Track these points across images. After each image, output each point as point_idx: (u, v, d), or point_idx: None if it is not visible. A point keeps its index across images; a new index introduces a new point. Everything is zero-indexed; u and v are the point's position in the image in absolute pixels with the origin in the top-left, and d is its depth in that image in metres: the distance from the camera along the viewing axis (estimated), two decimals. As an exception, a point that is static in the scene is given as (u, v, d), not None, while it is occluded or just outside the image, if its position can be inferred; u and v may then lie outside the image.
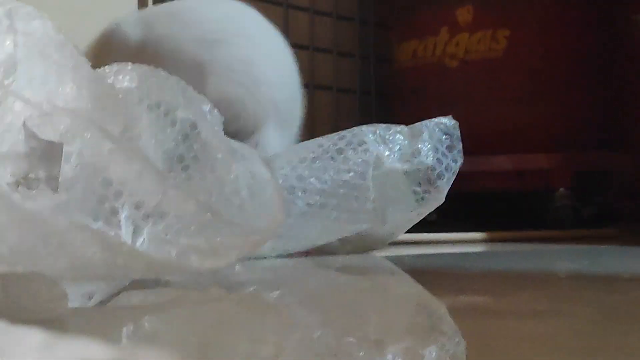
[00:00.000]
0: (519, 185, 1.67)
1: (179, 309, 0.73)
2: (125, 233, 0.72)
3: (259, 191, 0.86)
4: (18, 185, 0.74)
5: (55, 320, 0.58)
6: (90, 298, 0.73)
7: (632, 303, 0.73)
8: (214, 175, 0.89)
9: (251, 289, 0.83)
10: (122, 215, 0.73)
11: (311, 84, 1.83)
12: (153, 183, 0.75)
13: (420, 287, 0.88)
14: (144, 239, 0.73)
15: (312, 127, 1.84)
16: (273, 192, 0.87)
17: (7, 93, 0.82)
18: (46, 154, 0.79)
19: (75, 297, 0.67)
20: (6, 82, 0.84)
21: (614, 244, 1.36)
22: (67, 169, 0.76)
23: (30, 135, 0.76)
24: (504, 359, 0.48)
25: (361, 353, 0.49)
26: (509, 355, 0.49)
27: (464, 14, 1.71)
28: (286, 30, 1.78)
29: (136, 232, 0.73)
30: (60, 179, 0.76)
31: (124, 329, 0.63)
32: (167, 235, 0.74)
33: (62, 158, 0.77)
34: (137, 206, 0.75)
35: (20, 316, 0.50)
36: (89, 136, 0.77)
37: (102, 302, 0.69)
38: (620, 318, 0.64)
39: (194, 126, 0.96)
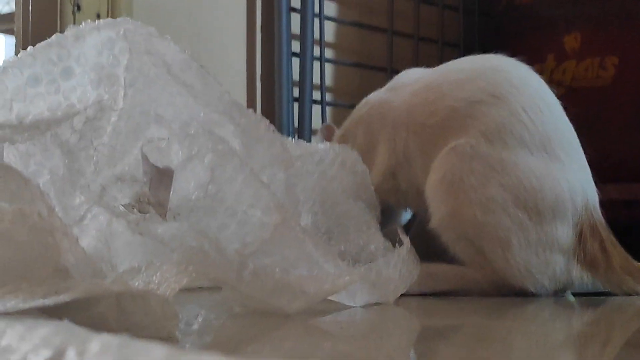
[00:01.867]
0: (627, 216, 1.64)
1: (278, 332, 0.75)
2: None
3: (394, 255, 0.89)
4: (133, 208, 0.77)
5: (167, 338, 0.60)
6: (196, 318, 0.76)
7: None
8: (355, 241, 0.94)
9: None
10: (231, 248, 0.75)
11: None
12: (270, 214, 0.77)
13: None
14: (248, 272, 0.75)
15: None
16: (408, 254, 0.90)
17: (128, 115, 0.86)
18: (158, 180, 0.82)
19: (182, 317, 0.70)
20: (122, 103, 0.88)
21: None
22: (192, 195, 0.80)
23: (145, 160, 0.79)
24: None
25: None
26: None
27: (571, 41, 1.69)
28: (390, 58, 1.79)
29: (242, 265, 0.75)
30: (179, 205, 0.79)
31: (233, 348, 0.65)
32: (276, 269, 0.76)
33: (178, 183, 0.79)
34: (245, 243, 0.77)
35: (134, 333, 0.53)
36: (222, 150, 0.80)
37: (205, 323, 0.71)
38: None
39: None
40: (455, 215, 1.01)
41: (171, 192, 0.80)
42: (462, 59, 1.17)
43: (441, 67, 1.17)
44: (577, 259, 1.00)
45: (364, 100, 1.26)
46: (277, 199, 0.83)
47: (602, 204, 1.65)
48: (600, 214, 1.05)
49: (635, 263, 1.04)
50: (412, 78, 1.18)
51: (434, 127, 1.06)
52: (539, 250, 0.99)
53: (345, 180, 1.06)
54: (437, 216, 1.01)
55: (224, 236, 0.78)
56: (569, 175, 1.02)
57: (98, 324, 0.56)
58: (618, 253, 1.02)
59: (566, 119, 1.09)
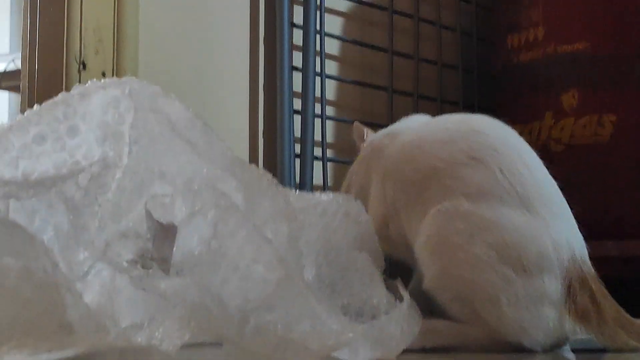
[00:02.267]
0: (626, 272, 1.64)
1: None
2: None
3: (397, 310, 0.90)
4: (136, 263, 0.78)
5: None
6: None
7: None
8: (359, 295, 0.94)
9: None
10: (233, 303, 0.76)
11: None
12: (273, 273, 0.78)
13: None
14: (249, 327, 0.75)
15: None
16: (409, 309, 0.91)
17: (132, 172, 0.87)
18: (161, 235, 0.83)
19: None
20: (127, 160, 0.89)
21: None
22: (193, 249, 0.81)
23: (149, 216, 0.80)
24: None
25: None
26: None
27: (569, 99, 1.71)
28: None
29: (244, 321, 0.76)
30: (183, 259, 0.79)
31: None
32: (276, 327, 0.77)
33: (179, 240, 0.80)
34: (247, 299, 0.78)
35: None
36: (224, 205, 0.81)
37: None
38: None
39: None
40: (444, 276, 1.02)
41: (174, 248, 0.81)
42: (450, 116, 1.19)
43: (433, 122, 1.20)
44: (569, 312, 1.01)
45: (369, 139, 1.28)
46: (280, 253, 0.84)
47: (601, 260, 1.66)
48: (590, 266, 1.06)
49: (628, 317, 1.04)
50: (410, 126, 1.21)
51: (417, 184, 1.09)
52: (529, 304, 1.00)
53: (349, 230, 1.07)
54: (428, 277, 1.03)
55: (226, 291, 0.79)
56: (551, 230, 1.03)
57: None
58: (610, 305, 1.03)
59: (548, 176, 1.11)
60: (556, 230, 1.04)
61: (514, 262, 1.00)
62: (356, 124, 1.35)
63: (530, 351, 1.01)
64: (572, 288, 1.01)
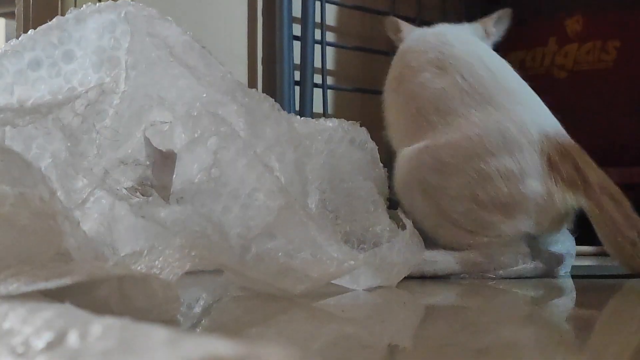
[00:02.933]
0: (628, 199, 1.64)
1: (281, 315, 0.75)
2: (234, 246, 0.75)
3: (399, 238, 0.89)
4: (136, 191, 0.77)
5: (169, 321, 0.60)
6: (197, 302, 0.75)
7: None
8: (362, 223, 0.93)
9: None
10: (234, 232, 0.75)
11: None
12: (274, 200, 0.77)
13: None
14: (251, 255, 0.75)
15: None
16: (411, 238, 0.91)
17: (130, 98, 0.85)
18: (161, 163, 0.82)
19: (184, 300, 0.69)
20: (124, 86, 0.87)
21: None
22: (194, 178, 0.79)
23: (148, 143, 0.79)
24: None
25: None
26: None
27: (573, 25, 1.69)
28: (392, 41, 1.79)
29: (245, 249, 0.75)
30: (184, 188, 0.78)
31: (225, 331, 0.65)
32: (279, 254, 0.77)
33: (180, 167, 0.79)
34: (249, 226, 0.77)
35: (135, 316, 0.52)
36: (224, 132, 0.80)
37: (207, 307, 0.71)
38: None
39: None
40: (417, 196, 1.06)
41: (174, 175, 0.80)
42: (434, 28, 1.25)
43: (420, 32, 1.26)
44: (555, 182, 1.03)
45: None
46: (281, 182, 0.83)
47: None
48: (570, 139, 1.08)
49: (616, 188, 1.07)
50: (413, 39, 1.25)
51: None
52: (510, 185, 1.02)
53: (354, 157, 1.05)
54: (408, 210, 1.04)
55: (227, 220, 0.78)
56: (513, 114, 1.07)
57: (100, 308, 0.56)
58: (595, 173, 1.05)
59: (513, 75, 1.18)
60: (518, 113, 1.07)
61: (480, 152, 1.04)
62: (390, 18, 1.34)
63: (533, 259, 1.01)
64: (552, 160, 1.04)
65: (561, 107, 1.68)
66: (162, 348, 0.24)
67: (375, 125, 1.62)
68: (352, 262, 0.82)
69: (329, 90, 1.68)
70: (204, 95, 0.87)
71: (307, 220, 0.82)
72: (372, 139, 1.10)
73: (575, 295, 0.97)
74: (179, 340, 0.25)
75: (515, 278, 1.03)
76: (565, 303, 0.92)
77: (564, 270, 1.08)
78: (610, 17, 1.66)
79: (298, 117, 1.06)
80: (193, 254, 0.66)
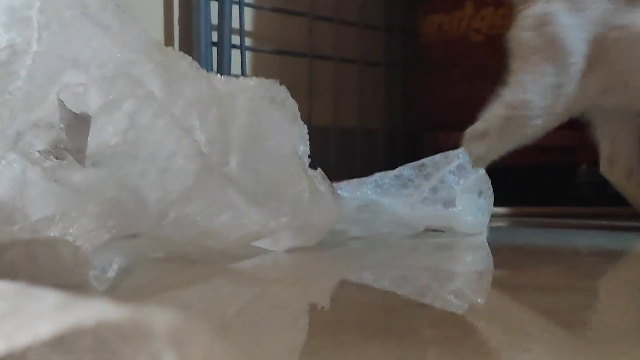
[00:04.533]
0: (543, 161, 1.67)
1: (198, 277, 0.75)
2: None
3: (319, 199, 0.89)
4: (49, 154, 0.75)
5: (77, 286, 0.59)
6: (110, 266, 0.74)
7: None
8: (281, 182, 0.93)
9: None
10: (151, 196, 0.74)
11: (337, 57, 1.83)
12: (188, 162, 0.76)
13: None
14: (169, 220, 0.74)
15: (336, 99, 1.85)
16: (331, 200, 0.91)
17: (43, 59, 0.83)
18: (75, 125, 0.80)
19: (97, 264, 0.68)
20: (37, 47, 0.85)
21: (638, 221, 1.36)
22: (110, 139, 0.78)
23: (62, 106, 0.77)
24: (521, 331, 0.49)
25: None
26: (526, 327, 0.50)
27: (489, -12, 1.70)
28: (311, 2, 1.78)
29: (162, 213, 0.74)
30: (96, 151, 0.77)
31: (140, 294, 0.64)
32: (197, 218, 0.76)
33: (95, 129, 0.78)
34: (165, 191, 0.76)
35: (44, 281, 0.51)
36: (140, 95, 0.78)
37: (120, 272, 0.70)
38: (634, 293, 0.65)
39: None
40: None
41: (88, 138, 0.78)
42: None
43: None
44: None
45: None
46: (199, 146, 0.82)
47: (519, 149, 1.69)
48: None
49: None
50: None
51: None
52: None
53: (275, 116, 1.04)
54: None
55: (144, 184, 0.77)
56: None
57: (7, 273, 0.55)
58: None
59: None
60: None
61: None
62: None
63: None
64: None
65: (478, 70, 1.70)
66: (52, 313, 0.24)
67: (294, 86, 1.61)
68: (273, 225, 0.82)
69: (247, 52, 1.67)
70: (119, 54, 0.85)
71: (226, 183, 0.81)
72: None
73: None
74: (71, 305, 0.24)
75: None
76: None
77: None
78: (526, -19, 1.68)
79: (218, 75, 1.05)
80: (110, 224, 0.65)
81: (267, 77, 1.21)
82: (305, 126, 1.08)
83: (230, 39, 1.60)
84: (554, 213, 1.46)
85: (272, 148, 0.98)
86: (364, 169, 1.81)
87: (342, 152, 1.81)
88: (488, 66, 1.70)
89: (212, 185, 0.81)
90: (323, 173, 0.98)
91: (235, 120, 0.96)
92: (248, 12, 1.69)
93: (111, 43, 0.86)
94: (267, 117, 1.00)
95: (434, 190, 1.07)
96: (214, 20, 1.58)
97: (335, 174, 1.72)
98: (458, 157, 1.08)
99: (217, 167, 0.85)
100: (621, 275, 0.77)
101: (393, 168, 1.11)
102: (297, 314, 0.57)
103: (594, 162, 1.62)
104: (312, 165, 1.01)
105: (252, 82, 1.03)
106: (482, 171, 1.08)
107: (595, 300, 0.63)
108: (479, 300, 0.64)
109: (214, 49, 1.58)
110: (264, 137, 0.99)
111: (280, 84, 1.10)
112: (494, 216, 1.35)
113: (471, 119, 1.69)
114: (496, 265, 0.88)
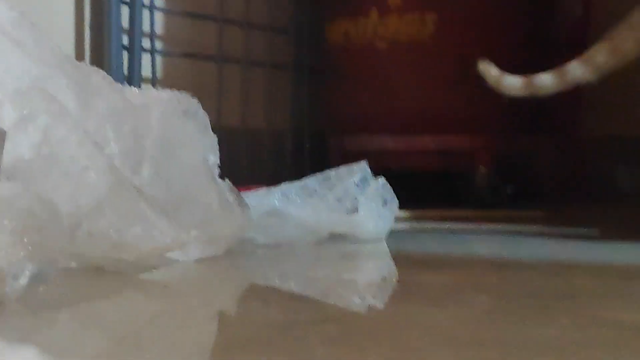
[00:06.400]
0: (442, 165, 1.74)
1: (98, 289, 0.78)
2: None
3: (227, 209, 0.92)
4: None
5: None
6: (23, 273, 0.77)
7: (531, 289, 0.79)
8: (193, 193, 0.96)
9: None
10: (64, 210, 0.77)
11: (245, 60, 1.87)
12: (99, 177, 0.79)
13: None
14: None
15: (245, 102, 1.88)
16: (239, 210, 0.94)
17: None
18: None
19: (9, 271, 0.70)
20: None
21: (536, 224, 1.43)
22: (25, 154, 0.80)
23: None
24: (397, 346, 0.54)
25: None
26: (401, 343, 0.54)
27: (393, -4, 1.75)
28: (221, 6, 1.81)
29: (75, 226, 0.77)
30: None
31: (53, 305, 0.67)
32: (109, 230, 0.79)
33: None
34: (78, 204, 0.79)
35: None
36: (54, 110, 0.80)
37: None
38: (516, 308, 0.70)
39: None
40: None
41: (3, 153, 0.80)
42: None
43: None
44: None
45: None
46: (111, 160, 0.85)
47: (421, 154, 1.75)
48: None
49: None
50: None
51: None
52: None
53: (187, 128, 1.06)
54: None
55: (58, 198, 0.79)
56: None
57: None
58: None
59: None
60: None
61: None
62: None
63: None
64: None
65: (382, 76, 1.76)
66: None
67: (203, 89, 1.65)
68: (183, 237, 0.85)
69: (158, 56, 1.69)
70: (33, 70, 0.87)
71: (138, 196, 0.84)
72: (203, 106, 1.12)
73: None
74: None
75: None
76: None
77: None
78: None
79: (133, 88, 1.07)
80: (25, 240, 0.67)
81: (177, 80, 1.25)
82: (216, 137, 1.11)
83: (140, 43, 1.62)
84: (453, 217, 1.53)
85: (183, 159, 1.01)
86: (272, 170, 1.86)
87: (251, 153, 1.85)
88: (392, 73, 1.76)
89: (124, 198, 0.84)
90: (231, 184, 1.02)
91: (149, 132, 0.99)
92: (159, 16, 1.71)
93: (26, 58, 0.88)
94: (179, 129, 1.03)
95: (339, 200, 1.12)
96: (125, 24, 1.60)
97: (245, 174, 1.76)
98: (361, 169, 1.14)
99: (130, 179, 0.88)
100: (506, 287, 0.82)
101: (300, 169, 1.16)
102: (198, 331, 0.61)
103: (491, 166, 1.70)
104: (223, 165, 1.05)
105: (165, 94, 1.06)
106: (384, 181, 1.14)
107: (475, 314, 0.68)
108: (373, 315, 0.69)
109: (125, 53, 1.60)
110: (176, 149, 1.01)
111: (191, 86, 1.13)
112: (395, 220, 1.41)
113: (376, 123, 1.75)
114: (393, 275, 0.93)
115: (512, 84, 1.27)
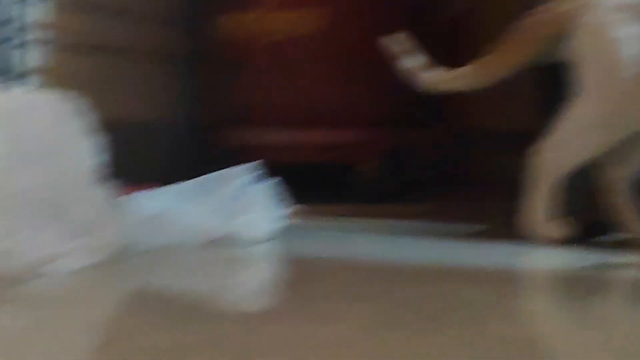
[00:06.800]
0: (327, 159, 1.74)
1: None
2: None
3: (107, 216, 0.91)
4: None
5: None
6: None
7: (408, 301, 0.80)
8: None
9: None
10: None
11: (132, 51, 1.83)
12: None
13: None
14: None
15: (130, 94, 1.84)
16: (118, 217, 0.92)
17: None
18: None
19: None
20: None
21: (424, 219, 1.45)
22: None
23: None
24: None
25: None
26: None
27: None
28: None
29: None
30: None
31: None
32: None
33: None
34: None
35: None
36: None
37: None
38: (393, 323, 0.71)
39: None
40: None
41: None
42: None
43: None
44: None
45: None
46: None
47: (310, 147, 1.75)
48: None
49: None
50: None
51: None
52: None
53: (68, 132, 1.03)
54: None
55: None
56: None
57: None
58: None
59: None
60: None
61: None
62: None
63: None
64: None
65: (270, 70, 1.75)
66: None
67: (95, 85, 1.60)
68: (60, 249, 0.84)
69: (41, 48, 1.64)
70: None
71: (11, 208, 0.83)
72: (91, 100, 1.09)
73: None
74: None
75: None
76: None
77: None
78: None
79: (12, 91, 1.04)
80: None
81: (61, 72, 1.20)
82: (100, 139, 1.08)
83: (22, 35, 1.57)
84: (342, 212, 1.53)
85: (62, 165, 0.99)
86: (167, 163, 1.83)
87: (136, 146, 1.81)
88: (283, 67, 1.75)
89: (6, 207, 0.82)
90: (111, 188, 1.00)
91: (27, 137, 0.96)
92: (43, 7, 1.66)
93: None
94: (59, 134, 1.00)
95: (226, 201, 1.12)
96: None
97: (139, 168, 1.72)
98: (250, 169, 1.14)
99: (4, 190, 0.86)
100: (389, 298, 0.83)
101: (194, 163, 1.14)
102: (68, 344, 0.61)
103: (373, 160, 1.71)
104: (116, 161, 1.02)
105: (47, 95, 1.03)
106: (274, 181, 1.14)
107: (348, 330, 0.68)
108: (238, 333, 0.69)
109: (3, 46, 1.55)
110: (55, 154, 0.99)
111: (81, 79, 1.10)
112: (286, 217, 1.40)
113: (268, 117, 1.74)
114: (273, 287, 0.93)
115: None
